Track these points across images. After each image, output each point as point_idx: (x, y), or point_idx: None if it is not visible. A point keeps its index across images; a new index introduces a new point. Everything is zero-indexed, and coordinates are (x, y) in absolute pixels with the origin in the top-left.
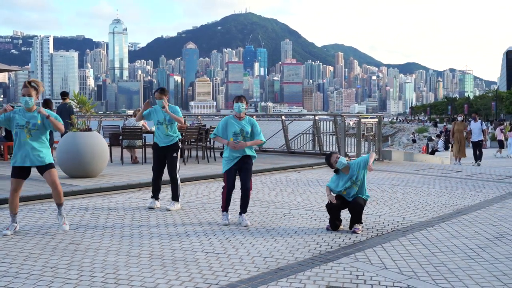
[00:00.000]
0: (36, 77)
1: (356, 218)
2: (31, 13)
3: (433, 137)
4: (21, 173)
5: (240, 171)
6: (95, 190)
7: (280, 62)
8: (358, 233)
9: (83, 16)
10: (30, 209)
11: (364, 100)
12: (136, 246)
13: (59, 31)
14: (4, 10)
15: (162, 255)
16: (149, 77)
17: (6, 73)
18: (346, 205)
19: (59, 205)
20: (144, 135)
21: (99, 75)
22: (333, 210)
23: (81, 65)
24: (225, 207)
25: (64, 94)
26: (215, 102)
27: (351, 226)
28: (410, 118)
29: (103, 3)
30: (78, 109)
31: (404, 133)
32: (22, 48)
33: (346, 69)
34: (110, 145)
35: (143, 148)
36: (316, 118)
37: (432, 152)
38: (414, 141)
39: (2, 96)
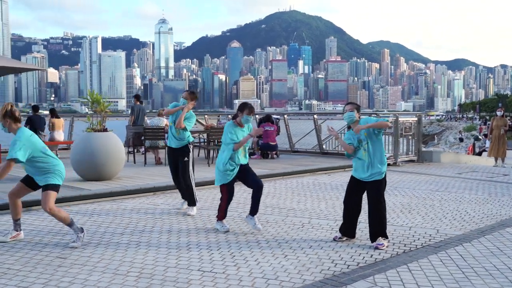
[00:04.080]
0: (85, 77)
1: (379, 227)
2: (80, 14)
3: (479, 136)
4: (29, 181)
5: (244, 176)
6: (105, 195)
7: (325, 60)
8: (381, 249)
9: (129, 16)
10: (30, 215)
11: (411, 97)
12: (127, 261)
13: (106, 31)
14: (55, 12)
15: (152, 274)
16: (194, 76)
17: (57, 73)
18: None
19: (69, 225)
20: (167, 135)
21: (145, 74)
22: (351, 209)
23: (128, 64)
24: (222, 218)
25: (137, 97)
26: (259, 100)
27: (373, 238)
28: (458, 116)
29: (149, 3)
30: (93, 109)
31: (451, 132)
32: (72, 49)
33: (392, 66)
34: (134, 146)
35: (166, 149)
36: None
37: (479, 153)
38: (461, 140)
39: (53, 95)
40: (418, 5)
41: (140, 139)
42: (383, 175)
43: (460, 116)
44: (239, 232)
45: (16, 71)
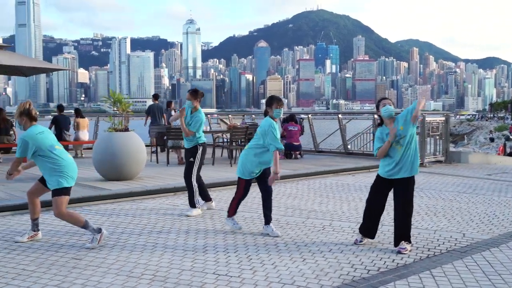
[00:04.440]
0: (114, 77)
1: (404, 230)
2: (109, 15)
3: (511, 136)
4: (44, 180)
5: (260, 180)
6: (125, 195)
7: (352, 59)
8: (404, 253)
9: (157, 17)
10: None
11: (440, 97)
12: (142, 263)
13: (135, 31)
14: (85, 13)
15: (166, 276)
16: (221, 76)
17: (87, 73)
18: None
19: (84, 227)
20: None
21: (173, 74)
22: (375, 208)
23: (156, 64)
24: (233, 214)
25: (155, 96)
26: (286, 100)
27: (396, 242)
28: (489, 115)
29: (177, 4)
30: (115, 109)
31: (481, 132)
32: (102, 50)
33: (421, 65)
34: (157, 146)
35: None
36: (376, 116)
37: (510, 153)
38: (492, 140)
39: (83, 95)
40: (448, 3)
41: (163, 138)
42: (416, 172)
43: (491, 115)
44: (257, 234)
45: (43, 71)
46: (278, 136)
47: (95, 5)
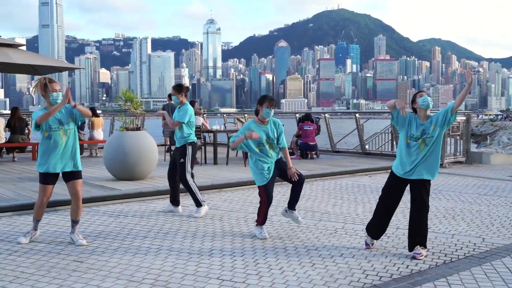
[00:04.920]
0: (135, 77)
1: (421, 234)
2: (130, 16)
3: None
4: None
5: (282, 170)
6: (135, 195)
7: (373, 58)
8: (419, 259)
9: (178, 17)
10: (57, 215)
11: None
12: (145, 267)
13: (156, 31)
14: (106, 14)
15: (168, 281)
16: (241, 76)
17: (109, 73)
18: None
19: (75, 222)
20: (204, 134)
21: (193, 74)
22: (386, 208)
23: (177, 64)
24: (262, 222)
25: (170, 96)
26: (306, 100)
27: (411, 247)
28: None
29: (197, 3)
30: (126, 108)
31: (505, 132)
32: (123, 50)
33: (444, 65)
34: (170, 145)
35: (204, 148)
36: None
37: None
38: None
39: (105, 95)
40: (471, 1)
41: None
42: (434, 178)
43: None
44: (268, 237)
45: (58, 70)
46: (239, 135)
47: (117, 6)
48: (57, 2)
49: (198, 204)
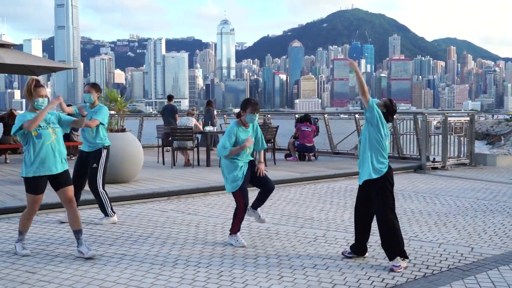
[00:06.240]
0: (150, 78)
1: (389, 244)
2: (144, 16)
3: None
4: None
5: (254, 176)
6: (114, 199)
7: (388, 58)
8: (397, 271)
9: (192, 17)
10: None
11: (478, 96)
12: (99, 279)
13: (170, 32)
14: (121, 15)
15: None
16: (255, 76)
17: (123, 74)
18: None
19: (78, 232)
20: (197, 135)
21: (207, 75)
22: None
23: (191, 65)
24: (237, 231)
25: (169, 98)
26: (320, 100)
27: (389, 257)
28: None
29: (211, 4)
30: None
31: None
32: (138, 51)
33: (459, 64)
34: (163, 146)
35: (197, 150)
36: (394, 116)
37: None
38: None
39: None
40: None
41: (168, 139)
42: (382, 173)
43: None
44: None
45: (52, 70)
46: (228, 143)
47: (131, 7)
48: (72, 4)
49: (106, 214)
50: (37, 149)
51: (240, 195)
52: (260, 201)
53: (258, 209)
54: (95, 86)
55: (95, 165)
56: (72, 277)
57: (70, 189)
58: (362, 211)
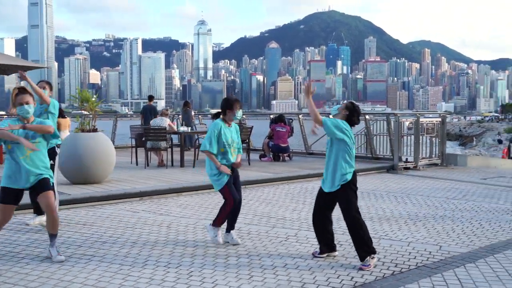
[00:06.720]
0: (125, 78)
1: (358, 243)
2: (121, 16)
3: None
4: None
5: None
6: (83, 200)
7: (364, 60)
8: (366, 270)
9: (169, 18)
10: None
11: (452, 98)
12: (66, 281)
13: (147, 33)
14: (97, 14)
15: None
16: (232, 77)
17: (99, 74)
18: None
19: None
20: (170, 136)
21: (184, 75)
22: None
23: (168, 65)
24: (220, 224)
25: (149, 98)
26: (297, 101)
27: (360, 257)
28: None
29: (188, 4)
30: (81, 108)
31: (492, 133)
32: (113, 51)
33: (433, 66)
34: (136, 147)
35: (171, 150)
36: (367, 117)
37: None
38: (500, 141)
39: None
40: (461, 4)
41: (141, 139)
42: (335, 189)
43: (503, 117)
44: (211, 244)
45: (22, 69)
46: (213, 140)
47: (107, 6)
48: (46, 2)
49: (40, 212)
50: (10, 163)
51: (227, 190)
52: (234, 219)
53: (233, 231)
54: (51, 85)
55: (51, 162)
56: (39, 279)
57: (48, 195)
58: (321, 216)
